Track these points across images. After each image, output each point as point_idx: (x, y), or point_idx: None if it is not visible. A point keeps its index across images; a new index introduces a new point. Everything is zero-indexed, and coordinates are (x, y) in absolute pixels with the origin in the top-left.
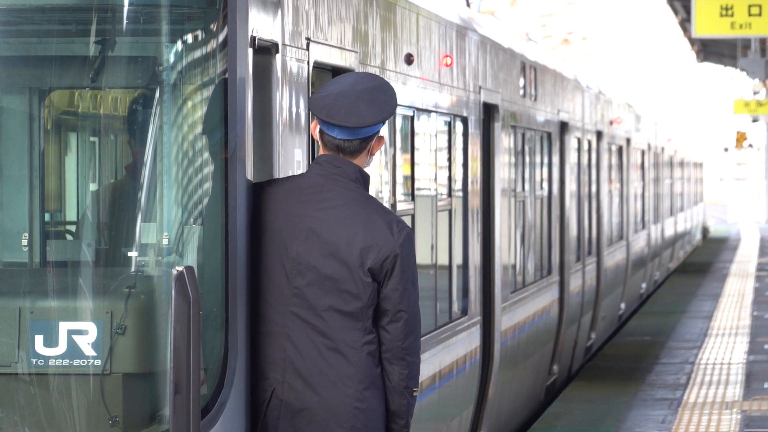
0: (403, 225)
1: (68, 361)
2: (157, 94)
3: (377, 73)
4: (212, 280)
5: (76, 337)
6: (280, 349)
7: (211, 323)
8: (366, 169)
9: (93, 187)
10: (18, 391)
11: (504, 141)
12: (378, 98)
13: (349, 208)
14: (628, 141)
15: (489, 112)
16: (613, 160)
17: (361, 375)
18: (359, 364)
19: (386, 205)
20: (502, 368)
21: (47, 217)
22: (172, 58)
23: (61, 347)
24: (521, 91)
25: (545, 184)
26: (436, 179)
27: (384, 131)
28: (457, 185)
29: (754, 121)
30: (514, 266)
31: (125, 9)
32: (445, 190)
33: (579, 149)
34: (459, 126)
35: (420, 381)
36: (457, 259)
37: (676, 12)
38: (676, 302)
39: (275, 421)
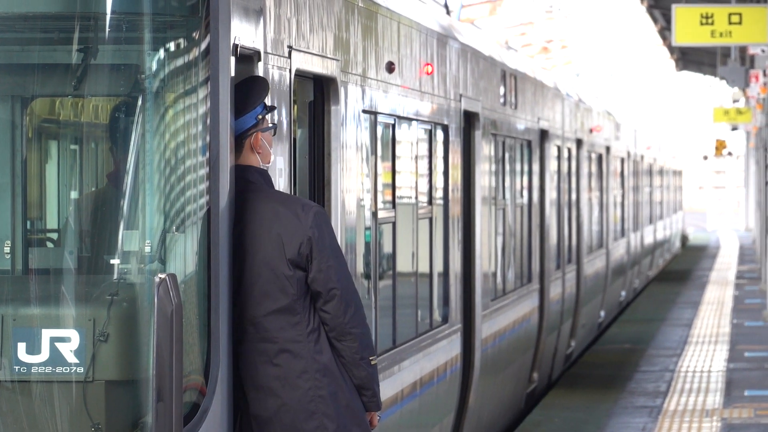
0: (309, 206)
1: (51, 368)
2: (140, 102)
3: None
4: (194, 288)
5: (59, 344)
6: (234, 366)
7: (193, 331)
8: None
9: (75, 194)
10: (0, 398)
11: (484, 149)
12: (241, 93)
13: (257, 211)
14: (608, 149)
15: (469, 120)
16: (593, 168)
17: (313, 365)
18: (309, 356)
19: (367, 212)
20: (483, 376)
21: (29, 224)
22: (154, 66)
23: (44, 354)
24: (501, 99)
25: (525, 192)
26: (416, 187)
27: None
28: (438, 193)
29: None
30: (494, 274)
31: (108, 17)
32: (425, 198)
33: (559, 157)
34: (440, 134)
35: (401, 388)
36: (438, 267)
37: (655, 20)
38: (656, 310)
39: None
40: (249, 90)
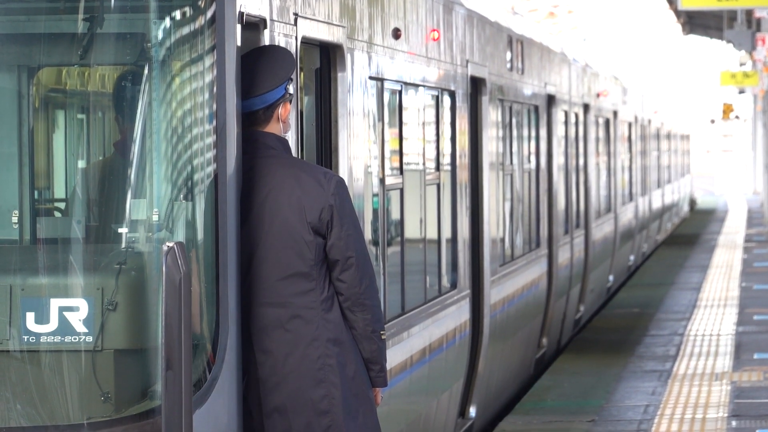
0: (330, 175)
1: (60, 337)
2: (146, 71)
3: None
4: (202, 256)
5: (68, 313)
6: (245, 329)
7: (202, 299)
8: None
9: (82, 164)
10: (10, 368)
11: (491, 114)
12: (271, 66)
13: (276, 176)
14: (615, 114)
15: (476, 85)
16: (600, 132)
17: (324, 333)
18: (320, 323)
19: (375, 179)
20: (492, 342)
21: (37, 194)
22: (160, 35)
23: (53, 324)
24: (508, 65)
25: (533, 158)
26: (424, 153)
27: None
28: (446, 159)
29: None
30: (502, 240)
31: None
32: (433, 165)
33: (566, 122)
34: (447, 100)
35: (410, 355)
36: (446, 233)
37: None
38: (665, 274)
39: (256, 401)
40: (277, 62)
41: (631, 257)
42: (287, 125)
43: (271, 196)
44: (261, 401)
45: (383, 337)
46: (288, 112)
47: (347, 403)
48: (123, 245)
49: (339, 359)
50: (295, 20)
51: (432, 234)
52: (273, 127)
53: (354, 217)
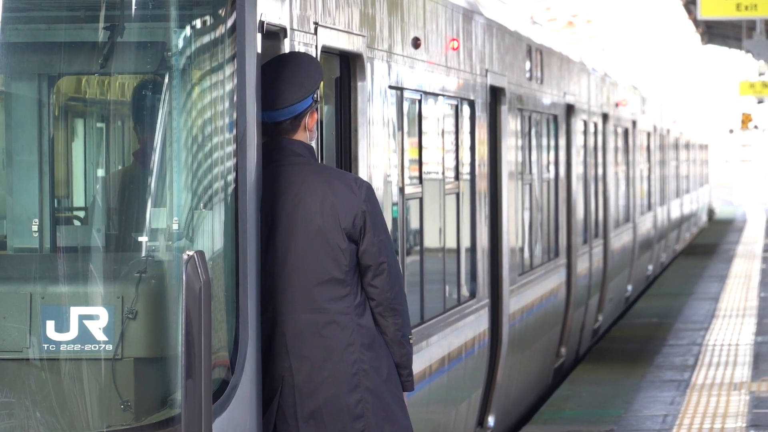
0: (361, 181)
1: (80, 346)
2: (167, 80)
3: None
4: (222, 265)
5: (88, 322)
6: (280, 335)
7: (222, 308)
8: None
9: (102, 173)
10: (30, 376)
11: (511, 124)
12: (298, 76)
13: (307, 182)
14: (634, 123)
15: (496, 95)
16: (619, 142)
17: (359, 338)
18: (355, 329)
19: (394, 188)
20: (511, 351)
21: (57, 202)
22: (180, 44)
23: (73, 332)
24: (527, 74)
25: (552, 167)
26: (443, 163)
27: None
28: (465, 168)
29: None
30: (521, 249)
31: None
32: (452, 174)
33: (585, 132)
34: (466, 109)
35: (429, 364)
36: (465, 242)
37: None
38: (683, 284)
39: (292, 408)
40: (304, 72)
41: (650, 267)
42: (313, 133)
43: (303, 202)
44: (296, 407)
45: (411, 342)
46: (315, 121)
47: (381, 407)
48: (143, 254)
49: (372, 364)
50: (316, 29)
51: (451, 243)
52: (300, 136)
53: (384, 223)
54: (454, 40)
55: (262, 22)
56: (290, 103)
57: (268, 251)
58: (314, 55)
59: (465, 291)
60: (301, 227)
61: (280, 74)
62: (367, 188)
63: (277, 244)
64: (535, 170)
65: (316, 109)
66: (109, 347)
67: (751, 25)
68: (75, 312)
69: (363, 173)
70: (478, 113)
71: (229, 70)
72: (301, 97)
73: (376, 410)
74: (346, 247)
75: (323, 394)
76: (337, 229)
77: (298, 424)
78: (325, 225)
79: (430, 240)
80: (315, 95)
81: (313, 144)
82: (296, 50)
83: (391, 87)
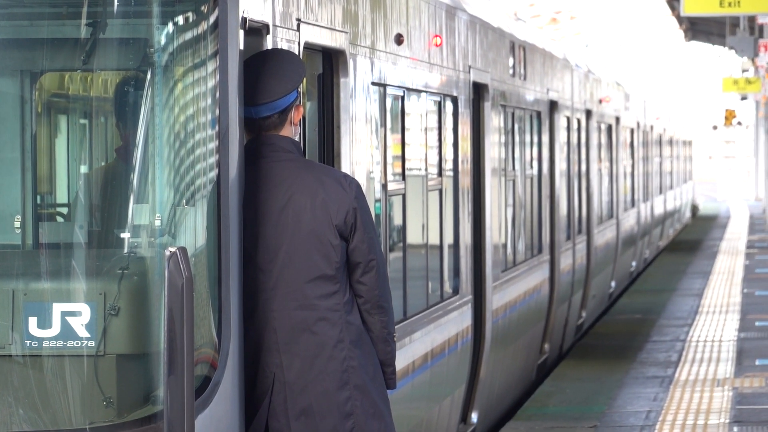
0: (350, 178)
1: (62, 342)
2: (149, 76)
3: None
4: (204, 261)
5: (70, 318)
6: (271, 331)
7: (204, 304)
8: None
9: (85, 169)
10: (12, 372)
11: (494, 120)
12: (282, 70)
13: (297, 178)
14: (618, 120)
15: (479, 91)
16: (603, 138)
17: (348, 335)
18: (343, 326)
19: (377, 184)
20: (494, 347)
21: (39, 199)
22: (163, 40)
23: (55, 329)
24: (511, 71)
25: (535, 163)
26: (426, 159)
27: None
28: (448, 165)
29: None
30: (504, 245)
31: None
32: (435, 170)
33: (568, 128)
34: (449, 106)
35: (412, 360)
36: (448, 239)
37: None
38: (667, 280)
39: (283, 404)
40: (288, 67)
41: (633, 263)
42: (297, 128)
43: (294, 199)
44: (288, 404)
45: (396, 339)
46: (300, 116)
47: (369, 404)
48: (125, 250)
49: (360, 361)
50: (298, 26)
51: (434, 239)
52: (287, 131)
53: (372, 221)
54: (437, 36)
55: (244, 19)
56: (277, 97)
57: (258, 248)
58: (297, 52)
59: (448, 287)
60: (292, 224)
61: (264, 69)
62: (357, 185)
63: (267, 241)
64: (518, 167)
65: (301, 104)
66: (92, 344)
67: (734, 21)
68: (57, 308)
69: (346, 170)
70: (461, 110)
71: (211, 66)
72: (288, 90)
73: (365, 407)
74: (337, 243)
75: (314, 391)
76: (328, 226)
77: (290, 421)
78: (317, 222)
79: (413, 236)
80: (299, 89)
81: (297, 139)
82: (279, 47)
83: (373, 83)
